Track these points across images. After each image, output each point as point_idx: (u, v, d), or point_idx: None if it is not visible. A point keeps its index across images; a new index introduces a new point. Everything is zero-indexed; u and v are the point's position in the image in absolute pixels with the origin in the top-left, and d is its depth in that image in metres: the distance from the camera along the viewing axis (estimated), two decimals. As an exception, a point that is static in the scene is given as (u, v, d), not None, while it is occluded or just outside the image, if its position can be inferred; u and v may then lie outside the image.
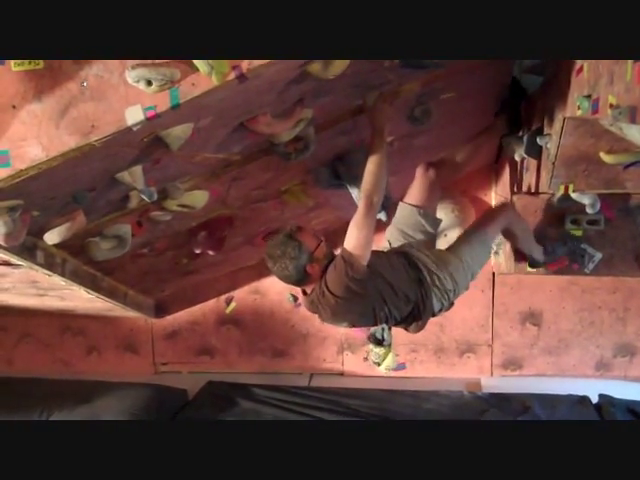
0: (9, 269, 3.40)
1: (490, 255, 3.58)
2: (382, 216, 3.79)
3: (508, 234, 3.80)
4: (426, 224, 3.46)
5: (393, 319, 3.17)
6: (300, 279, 2.97)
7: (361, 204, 2.92)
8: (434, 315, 3.30)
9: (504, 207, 3.83)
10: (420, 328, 3.31)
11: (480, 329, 5.69)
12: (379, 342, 3.61)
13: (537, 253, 4.04)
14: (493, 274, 5.52)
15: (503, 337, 5.68)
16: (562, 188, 3.36)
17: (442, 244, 5.32)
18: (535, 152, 3.54)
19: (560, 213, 4.07)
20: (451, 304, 3.35)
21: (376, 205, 2.93)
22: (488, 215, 3.67)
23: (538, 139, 3.37)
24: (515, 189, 4.39)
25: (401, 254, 3.24)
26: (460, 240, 3.44)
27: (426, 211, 3.48)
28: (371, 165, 2.97)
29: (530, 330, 5.62)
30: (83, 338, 6.21)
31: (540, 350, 5.65)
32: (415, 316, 3.22)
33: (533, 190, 3.88)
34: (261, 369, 6.02)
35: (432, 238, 3.51)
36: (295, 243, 2.90)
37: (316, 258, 2.93)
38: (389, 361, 3.75)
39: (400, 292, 3.08)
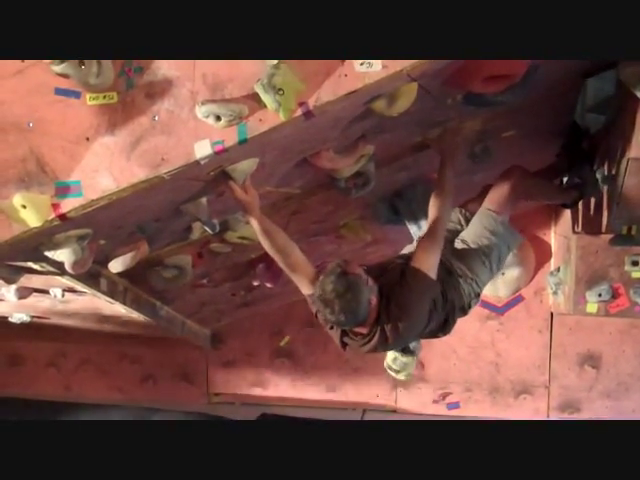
0: (74, 296, 3.49)
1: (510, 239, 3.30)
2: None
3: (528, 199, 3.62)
4: (462, 220, 3.37)
5: (436, 323, 3.01)
6: (365, 314, 2.68)
7: (431, 232, 2.89)
8: (464, 312, 3.12)
9: (512, 183, 3.34)
10: (450, 330, 3.12)
11: (537, 370, 5.59)
12: (408, 351, 3.50)
13: (563, 198, 3.89)
14: (552, 314, 5.44)
15: (560, 379, 5.57)
16: (625, 229, 3.32)
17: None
18: (597, 192, 3.50)
19: (621, 254, 4.01)
20: (477, 296, 3.15)
21: (443, 231, 2.92)
22: (497, 195, 3.33)
23: (600, 179, 3.33)
24: (576, 228, 4.34)
25: None
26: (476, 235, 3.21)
27: (466, 213, 3.40)
28: (438, 196, 2.95)
29: (589, 373, 5.50)
30: (139, 366, 6.29)
31: (598, 393, 5.52)
32: (448, 317, 3.03)
33: (595, 230, 3.83)
34: (314, 403, 6.00)
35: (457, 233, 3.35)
36: (352, 276, 2.64)
37: (372, 288, 2.71)
38: (411, 368, 3.62)
39: (440, 299, 2.93)
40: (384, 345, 2.85)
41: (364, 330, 2.80)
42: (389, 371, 3.69)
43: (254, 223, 2.68)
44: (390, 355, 3.61)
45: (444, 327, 3.09)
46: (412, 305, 2.78)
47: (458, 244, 3.21)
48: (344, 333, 2.86)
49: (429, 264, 2.81)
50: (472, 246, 3.17)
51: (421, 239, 2.93)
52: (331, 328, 2.89)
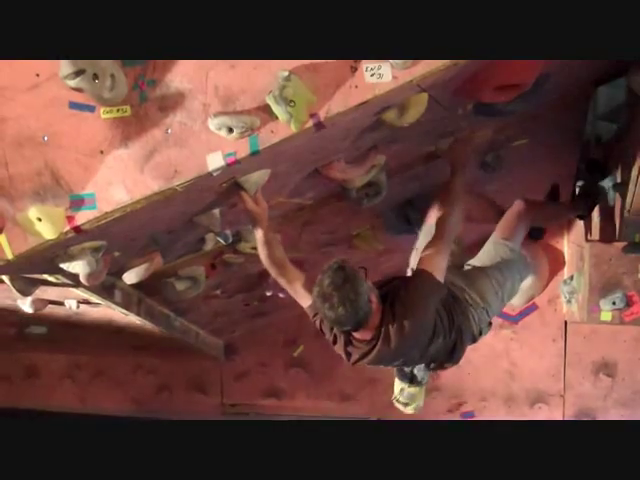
0: (88, 307, 3.51)
1: (521, 264, 3.30)
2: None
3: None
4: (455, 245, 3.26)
5: (440, 352, 2.94)
6: (366, 310, 2.59)
7: (438, 237, 2.87)
8: (474, 339, 3.07)
9: (520, 212, 3.41)
10: (459, 358, 3.04)
11: (551, 379, 5.57)
12: (415, 380, 3.46)
13: (577, 210, 3.97)
14: (565, 323, 5.42)
15: (575, 387, 5.54)
16: (637, 237, 3.31)
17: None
18: (610, 201, 3.50)
19: (635, 261, 4.00)
20: (489, 324, 3.12)
21: (450, 238, 2.90)
22: (508, 224, 3.38)
23: (613, 187, 3.33)
24: (589, 236, 4.33)
25: None
26: (486, 257, 3.22)
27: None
28: (445, 203, 2.97)
29: (604, 381, 5.47)
30: (154, 377, 6.30)
31: (614, 402, 5.49)
32: (456, 343, 2.95)
33: (608, 238, 3.82)
34: (328, 413, 5.99)
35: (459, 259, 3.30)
36: (350, 270, 2.58)
37: (371, 288, 2.64)
38: (419, 400, 3.57)
39: (444, 315, 2.86)
40: (388, 350, 2.73)
41: (367, 335, 2.71)
42: (397, 404, 3.62)
43: (259, 233, 2.73)
44: (397, 386, 3.56)
45: (452, 354, 3.00)
46: (418, 303, 2.72)
47: (468, 268, 3.18)
48: (348, 342, 2.78)
49: (436, 266, 2.78)
50: (485, 273, 3.12)
51: (428, 243, 2.91)
52: (334, 343, 2.83)
